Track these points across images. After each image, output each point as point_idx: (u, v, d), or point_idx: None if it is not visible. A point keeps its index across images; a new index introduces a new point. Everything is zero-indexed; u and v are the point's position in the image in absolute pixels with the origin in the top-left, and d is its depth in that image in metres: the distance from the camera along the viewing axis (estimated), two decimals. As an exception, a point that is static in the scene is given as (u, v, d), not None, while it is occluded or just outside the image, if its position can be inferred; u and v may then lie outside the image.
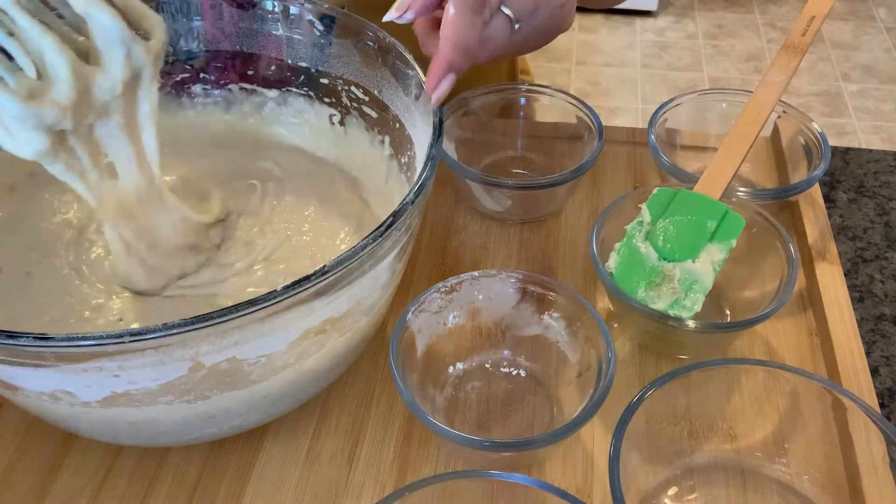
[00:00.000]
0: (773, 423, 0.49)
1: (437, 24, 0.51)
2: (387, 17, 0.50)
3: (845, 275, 0.58)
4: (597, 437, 0.50)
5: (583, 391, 0.48)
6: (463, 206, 0.64)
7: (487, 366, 0.53)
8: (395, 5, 0.50)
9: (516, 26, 0.51)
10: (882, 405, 0.52)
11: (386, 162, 0.57)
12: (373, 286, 0.45)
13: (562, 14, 0.54)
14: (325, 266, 0.39)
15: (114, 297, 0.51)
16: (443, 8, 0.52)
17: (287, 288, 0.38)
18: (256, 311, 0.37)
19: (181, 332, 0.36)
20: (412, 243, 0.49)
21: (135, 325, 0.49)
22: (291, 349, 0.43)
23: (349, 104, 0.58)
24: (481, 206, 0.63)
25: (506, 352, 0.53)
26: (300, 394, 0.47)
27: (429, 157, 0.46)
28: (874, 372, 0.54)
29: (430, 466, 0.49)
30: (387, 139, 0.56)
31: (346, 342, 0.46)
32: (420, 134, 0.51)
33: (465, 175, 0.60)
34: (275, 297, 0.38)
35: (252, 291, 0.51)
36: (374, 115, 0.57)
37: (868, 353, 0.54)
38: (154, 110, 0.49)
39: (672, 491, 0.47)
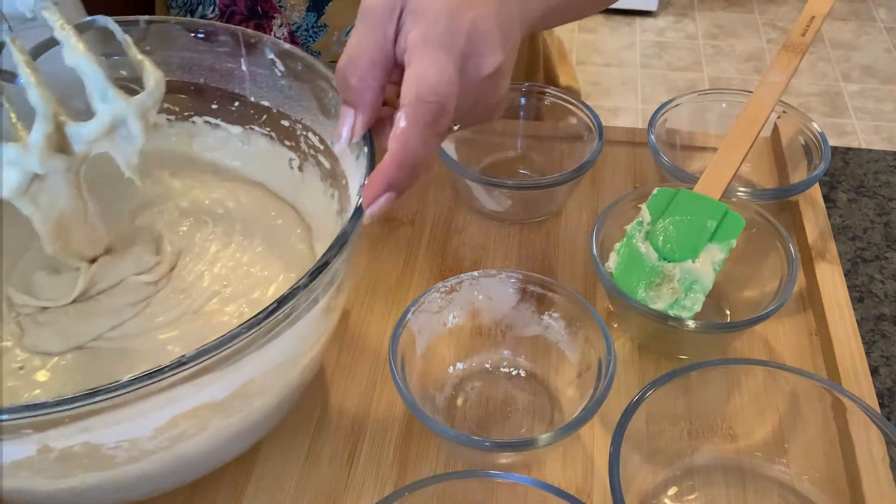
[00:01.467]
0: (773, 423, 0.49)
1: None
2: (339, 149, 0.46)
3: (845, 275, 0.58)
4: (597, 437, 0.50)
5: (583, 391, 0.48)
6: (463, 206, 0.64)
7: (487, 366, 0.53)
8: (339, 132, 0.45)
9: (455, 128, 0.47)
10: (882, 405, 0.52)
11: (334, 217, 0.52)
12: (263, 368, 0.41)
13: (494, 112, 0.48)
14: (182, 357, 0.35)
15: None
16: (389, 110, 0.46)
17: (135, 380, 0.34)
18: (95, 403, 0.34)
19: (8, 421, 0.34)
20: (332, 316, 0.46)
21: (38, 376, 0.47)
22: (160, 434, 0.39)
23: (307, 151, 0.55)
24: (481, 206, 0.63)
25: (506, 352, 0.53)
26: (193, 471, 0.44)
27: (337, 240, 0.40)
28: (874, 372, 0.54)
29: (430, 466, 0.49)
30: (336, 194, 0.52)
31: (241, 422, 0.42)
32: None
33: (464, 175, 0.60)
34: (118, 389, 0.34)
35: (170, 350, 0.48)
36: (327, 166, 0.53)
37: (868, 353, 0.54)
38: (133, 168, 0.47)
39: (672, 491, 0.47)
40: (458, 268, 0.60)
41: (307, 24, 0.66)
